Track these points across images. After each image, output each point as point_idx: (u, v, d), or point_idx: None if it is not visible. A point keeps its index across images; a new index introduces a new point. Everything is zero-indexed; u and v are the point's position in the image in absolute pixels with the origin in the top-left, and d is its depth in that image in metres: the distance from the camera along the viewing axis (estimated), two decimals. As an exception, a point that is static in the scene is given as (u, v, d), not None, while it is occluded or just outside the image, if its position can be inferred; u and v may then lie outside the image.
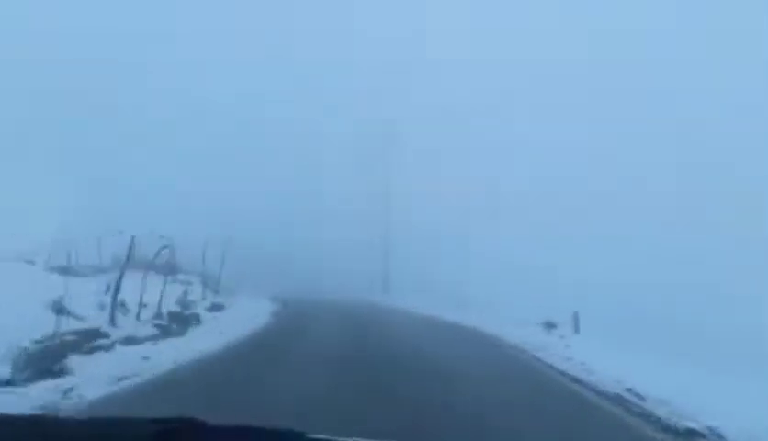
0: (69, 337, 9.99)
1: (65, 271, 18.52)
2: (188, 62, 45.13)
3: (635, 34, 37.28)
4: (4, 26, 37.58)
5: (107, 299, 12.87)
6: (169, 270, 19.81)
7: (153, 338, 11.66)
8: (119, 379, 7.73)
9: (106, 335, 10.89)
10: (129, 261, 12.88)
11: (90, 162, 36.74)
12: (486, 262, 32.95)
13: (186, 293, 16.92)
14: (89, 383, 7.43)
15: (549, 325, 16.01)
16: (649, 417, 6.72)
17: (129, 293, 13.83)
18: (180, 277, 20.00)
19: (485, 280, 30.23)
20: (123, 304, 13.34)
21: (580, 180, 35.24)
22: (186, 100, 43.16)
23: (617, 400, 7.76)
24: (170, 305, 15.47)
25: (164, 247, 14.66)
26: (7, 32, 37.24)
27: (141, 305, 13.19)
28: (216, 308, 17.50)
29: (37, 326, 9.10)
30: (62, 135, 39.43)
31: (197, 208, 35.62)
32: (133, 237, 12.62)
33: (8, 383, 7.30)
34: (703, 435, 5.94)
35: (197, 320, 15.14)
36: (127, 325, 12.24)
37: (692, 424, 6.18)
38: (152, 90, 41.27)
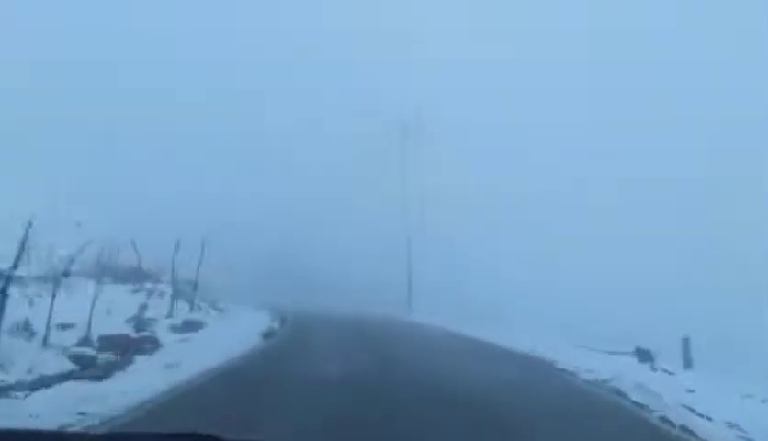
0: None
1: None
2: (198, 63, 42.69)
3: (636, 35, 36.42)
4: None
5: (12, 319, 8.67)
6: (135, 278, 15.79)
7: (48, 382, 7.34)
8: None
9: (-47, 381, 6.63)
10: (21, 257, 8.56)
11: (96, 166, 33.98)
12: (505, 268, 30.21)
13: (144, 307, 12.60)
14: None
15: (644, 355, 11.38)
16: None
17: (61, 310, 9.73)
18: (148, 285, 15.87)
19: (509, 289, 27.35)
20: (27, 327, 9.12)
21: (579, 188, 34.12)
22: (189, 102, 40.36)
23: None
24: (117, 325, 11.26)
25: (87, 243, 10.36)
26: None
27: (50, 327, 8.91)
28: (188, 327, 13.23)
29: None
30: (59, 135, 36.83)
31: (200, 211, 32.69)
32: (30, 225, 8.32)
33: None
34: None
35: (153, 345, 10.85)
36: (21, 358, 8.02)
37: None
38: (157, 93, 38.70)
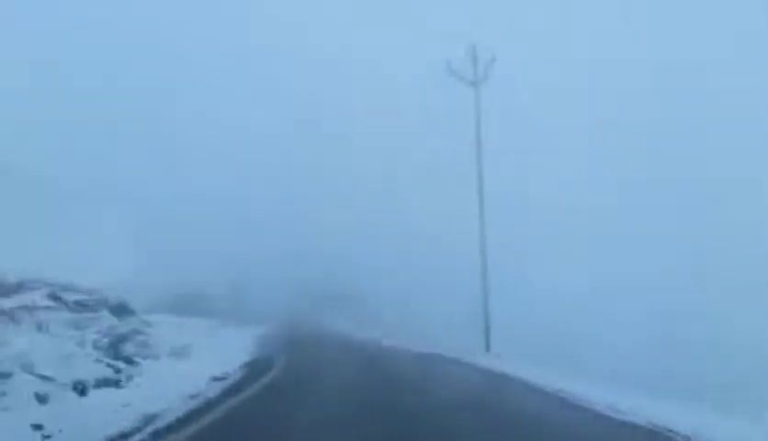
0: None
1: None
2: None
3: (636, 35, 37.17)
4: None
5: None
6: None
7: None
8: None
9: None
10: None
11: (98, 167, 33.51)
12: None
13: None
14: None
15: None
16: None
17: None
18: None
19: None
20: None
21: (579, 188, 33.54)
22: (196, 104, 40.04)
23: None
24: None
25: None
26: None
27: None
28: None
29: None
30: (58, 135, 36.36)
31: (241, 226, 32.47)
32: None
33: None
34: None
35: None
36: None
37: None
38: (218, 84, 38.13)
